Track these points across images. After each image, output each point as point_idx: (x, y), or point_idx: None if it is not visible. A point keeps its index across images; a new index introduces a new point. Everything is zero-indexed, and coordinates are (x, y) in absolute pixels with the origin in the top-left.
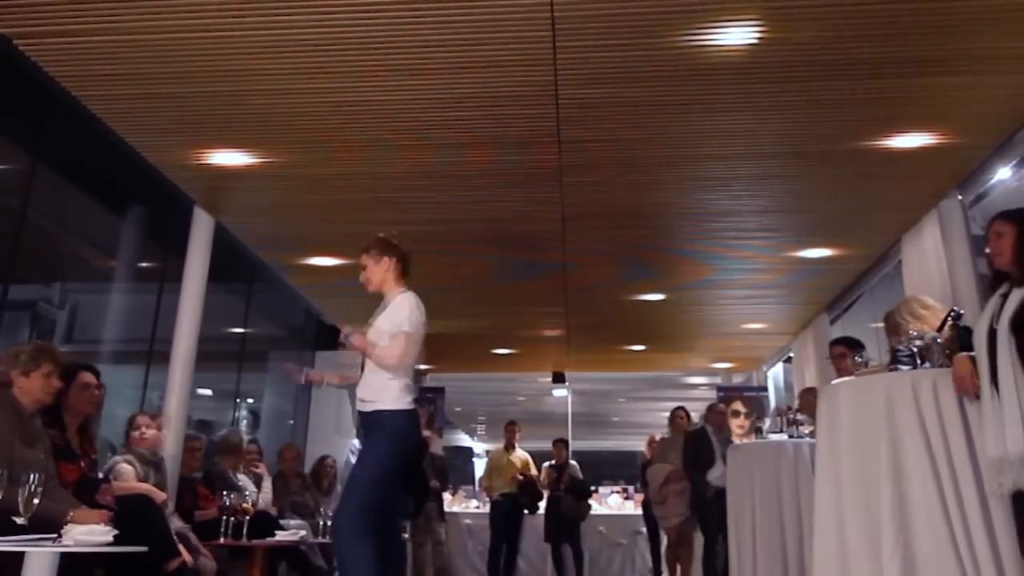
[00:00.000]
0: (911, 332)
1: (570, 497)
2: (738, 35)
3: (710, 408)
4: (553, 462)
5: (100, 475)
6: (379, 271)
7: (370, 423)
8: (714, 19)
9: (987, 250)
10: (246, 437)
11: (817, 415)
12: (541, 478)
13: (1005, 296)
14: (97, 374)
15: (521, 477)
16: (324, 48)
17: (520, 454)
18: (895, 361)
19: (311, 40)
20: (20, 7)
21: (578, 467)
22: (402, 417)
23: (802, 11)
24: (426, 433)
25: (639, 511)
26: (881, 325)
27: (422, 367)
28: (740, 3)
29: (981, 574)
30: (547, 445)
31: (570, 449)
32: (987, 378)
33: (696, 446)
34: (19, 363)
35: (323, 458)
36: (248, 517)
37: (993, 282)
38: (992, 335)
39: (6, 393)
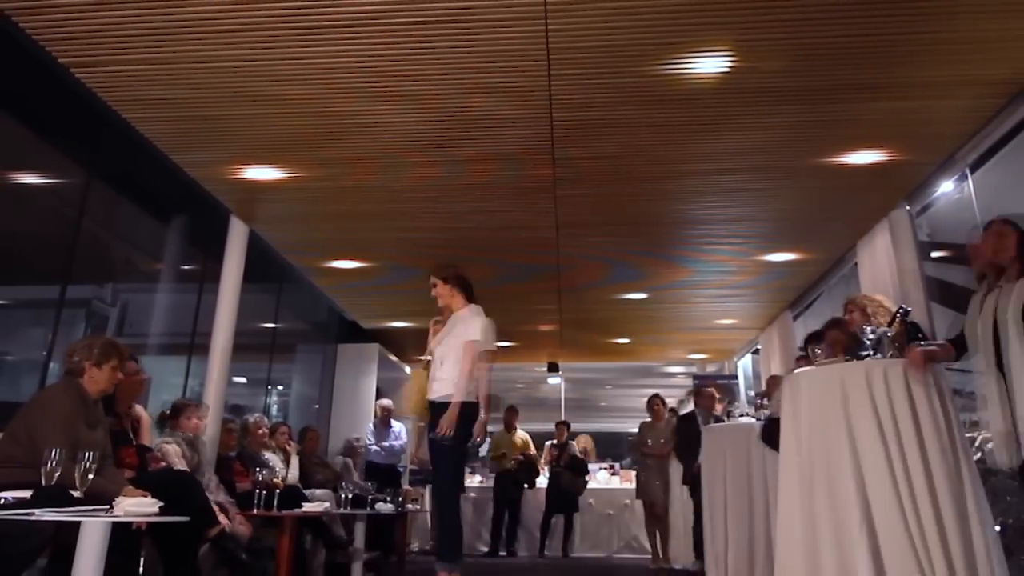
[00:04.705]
0: (865, 328)
1: (569, 473)
2: (712, 64)
3: (698, 392)
4: (555, 441)
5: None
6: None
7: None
8: (691, 50)
9: (987, 248)
10: (253, 417)
11: (781, 400)
12: (543, 456)
13: (997, 290)
14: (137, 362)
15: (521, 457)
16: (346, 76)
17: (520, 434)
18: (858, 348)
19: (335, 69)
20: (77, 40)
21: (576, 446)
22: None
23: (769, 43)
24: None
25: (625, 486)
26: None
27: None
28: (714, 36)
29: (928, 547)
30: (543, 427)
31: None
32: (992, 363)
33: (686, 429)
34: (92, 356)
35: (356, 439)
36: (278, 491)
37: (982, 278)
38: (994, 326)
39: (74, 381)
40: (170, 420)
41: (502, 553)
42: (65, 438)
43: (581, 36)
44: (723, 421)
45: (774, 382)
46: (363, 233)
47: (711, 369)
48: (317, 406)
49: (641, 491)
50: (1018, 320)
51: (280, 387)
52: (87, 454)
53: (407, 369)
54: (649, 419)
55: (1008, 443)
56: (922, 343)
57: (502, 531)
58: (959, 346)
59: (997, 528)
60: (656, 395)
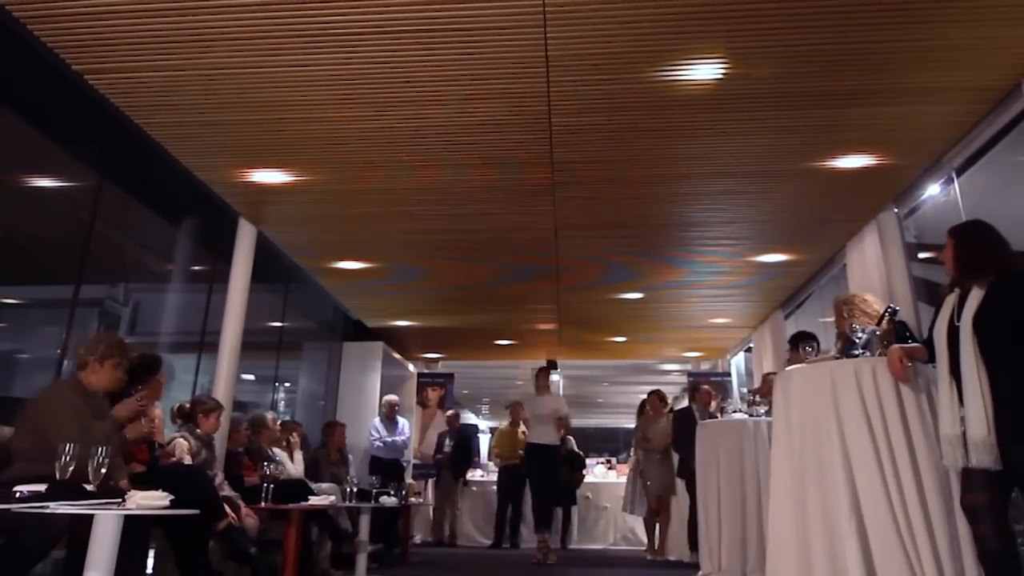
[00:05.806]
0: (854, 326)
1: (567, 467)
2: (706, 71)
3: (695, 389)
4: None
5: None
6: None
7: None
8: (685, 57)
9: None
10: (271, 415)
11: (773, 397)
12: None
13: (963, 295)
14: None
15: (522, 453)
16: (352, 82)
17: (524, 429)
18: (850, 348)
19: (340, 76)
20: (90, 48)
21: (574, 441)
22: None
23: (760, 50)
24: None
25: (621, 479)
26: (830, 320)
27: (435, 355)
28: (707, 44)
29: (915, 538)
30: None
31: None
32: (946, 368)
33: (683, 424)
34: (97, 351)
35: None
36: (285, 485)
37: (953, 282)
38: (952, 331)
39: (75, 376)
40: (186, 416)
41: (505, 545)
42: (76, 430)
43: (579, 44)
44: (717, 417)
45: (769, 379)
46: (368, 235)
47: (705, 367)
48: (323, 403)
49: (646, 486)
50: (971, 329)
51: (287, 384)
52: (100, 449)
53: (410, 367)
54: (651, 414)
55: (956, 447)
56: (910, 342)
57: (506, 524)
58: (930, 348)
59: None
60: (656, 391)
